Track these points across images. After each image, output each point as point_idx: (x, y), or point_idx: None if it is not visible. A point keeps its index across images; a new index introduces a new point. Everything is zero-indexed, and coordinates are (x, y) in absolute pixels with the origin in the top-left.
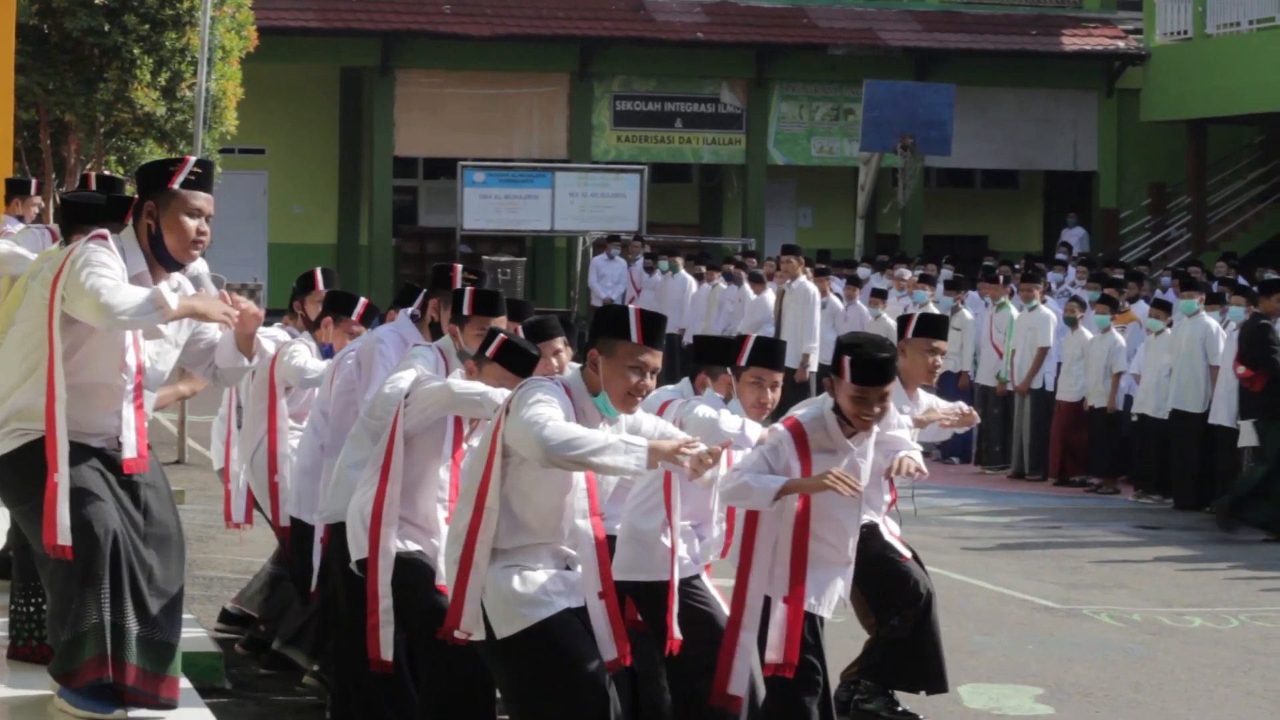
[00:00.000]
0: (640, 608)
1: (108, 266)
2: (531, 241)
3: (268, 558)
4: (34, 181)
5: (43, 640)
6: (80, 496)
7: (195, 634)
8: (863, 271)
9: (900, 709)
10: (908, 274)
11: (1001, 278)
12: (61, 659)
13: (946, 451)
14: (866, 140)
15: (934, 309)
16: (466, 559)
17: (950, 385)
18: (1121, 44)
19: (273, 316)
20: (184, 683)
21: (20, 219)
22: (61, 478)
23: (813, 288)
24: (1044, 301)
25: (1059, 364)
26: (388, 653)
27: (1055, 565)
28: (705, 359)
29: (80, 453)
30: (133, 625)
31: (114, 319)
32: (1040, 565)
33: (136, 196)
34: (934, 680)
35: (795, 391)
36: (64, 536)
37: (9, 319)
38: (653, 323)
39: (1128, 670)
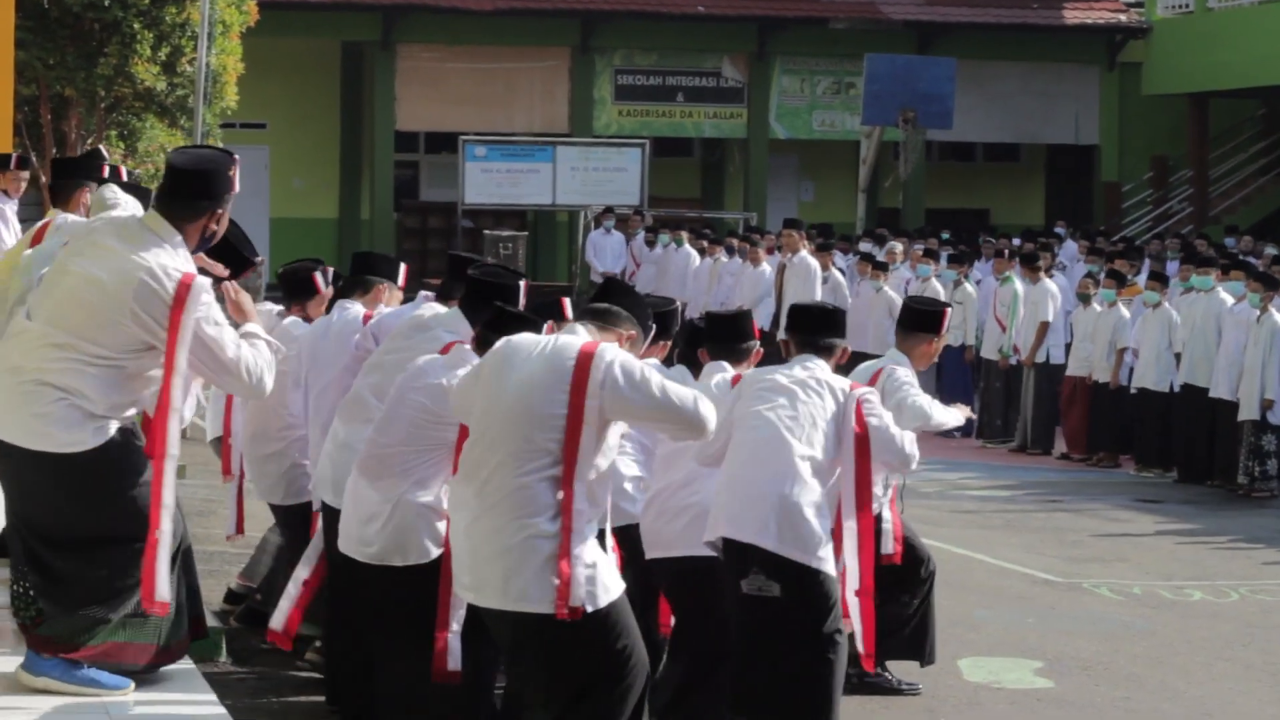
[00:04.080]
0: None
1: (227, 327)
2: (533, 216)
3: (267, 528)
4: (14, 155)
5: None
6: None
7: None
8: (866, 246)
9: (901, 681)
10: (898, 247)
11: (1006, 252)
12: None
13: None
14: (868, 114)
15: (937, 283)
16: (568, 533)
17: (955, 358)
18: (1123, 17)
19: (273, 292)
20: (186, 661)
21: (5, 193)
22: (163, 534)
23: (814, 262)
24: (1050, 275)
25: (1067, 342)
26: (455, 664)
27: (1056, 539)
28: (716, 337)
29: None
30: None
31: (260, 393)
32: (1041, 539)
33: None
34: (926, 652)
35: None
36: (164, 594)
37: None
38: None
39: (1127, 644)
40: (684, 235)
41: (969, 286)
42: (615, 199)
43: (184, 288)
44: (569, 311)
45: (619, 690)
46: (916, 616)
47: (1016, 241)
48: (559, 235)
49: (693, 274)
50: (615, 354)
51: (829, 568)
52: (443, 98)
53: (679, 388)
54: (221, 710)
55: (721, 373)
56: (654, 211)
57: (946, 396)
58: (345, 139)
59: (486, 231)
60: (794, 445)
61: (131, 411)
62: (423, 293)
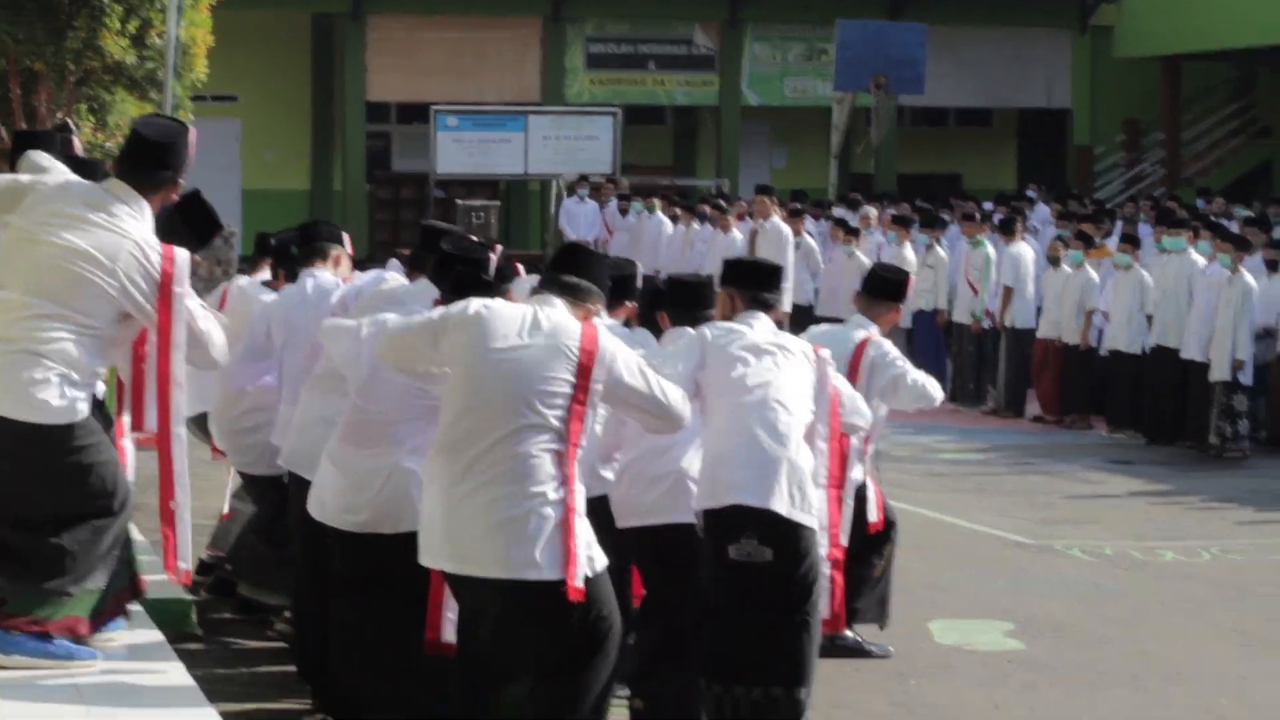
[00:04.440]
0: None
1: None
2: (505, 185)
3: (233, 497)
4: None
5: None
6: (114, 459)
7: (164, 579)
8: (839, 212)
9: (872, 644)
10: (872, 212)
11: (976, 215)
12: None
13: None
14: (840, 80)
15: (908, 249)
16: (571, 509)
17: (927, 323)
18: None
19: (246, 263)
20: (156, 633)
21: None
22: (180, 505)
23: (785, 228)
24: (1023, 239)
25: (1038, 305)
26: (451, 635)
27: (1028, 501)
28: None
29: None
30: None
31: (219, 363)
32: (1013, 501)
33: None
34: (887, 613)
35: None
36: (185, 563)
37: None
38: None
39: (1099, 605)
40: (656, 203)
41: (940, 250)
42: (587, 167)
43: (169, 261)
44: (521, 270)
45: (601, 658)
46: (883, 579)
47: (988, 205)
48: (532, 204)
49: (665, 241)
50: (615, 343)
51: (816, 525)
52: (414, 68)
53: (667, 383)
54: (190, 681)
55: (685, 338)
56: (627, 179)
57: (919, 361)
58: (317, 111)
59: (459, 201)
60: (789, 407)
61: (101, 385)
62: (392, 260)
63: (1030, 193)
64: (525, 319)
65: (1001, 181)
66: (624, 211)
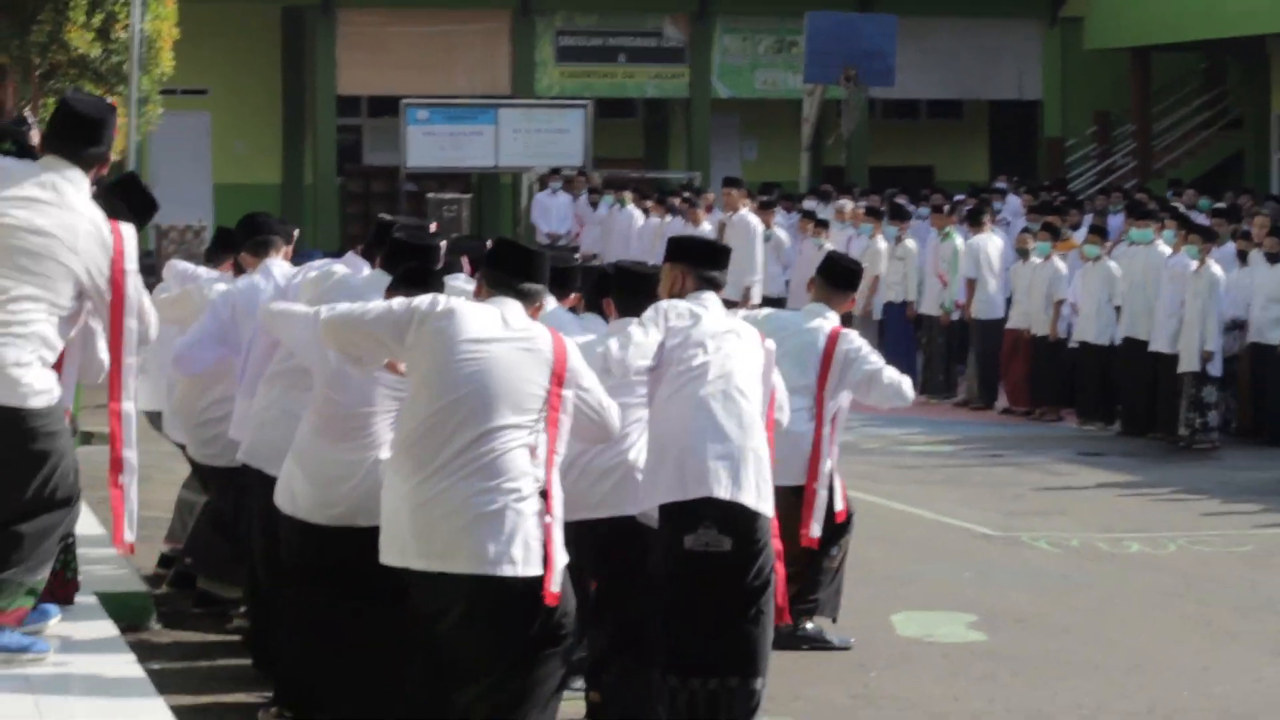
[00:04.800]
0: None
1: None
2: (477, 179)
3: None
4: None
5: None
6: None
7: (124, 574)
8: (809, 204)
9: (832, 636)
10: (848, 205)
11: (945, 207)
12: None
13: None
14: (810, 72)
15: (880, 241)
16: (551, 511)
17: (897, 315)
18: None
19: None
20: (109, 625)
21: None
22: (129, 471)
23: (754, 220)
24: (991, 230)
25: (1007, 296)
26: None
27: (996, 493)
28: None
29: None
30: None
31: (150, 339)
32: (980, 493)
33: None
34: (839, 606)
35: None
36: (131, 534)
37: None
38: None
39: (1064, 596)
40: (627, 196)
41: (909, 243)
42: (558, 160)
43: (119, 238)
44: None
45: (559, 656)
46: (839, 571)
47: (960, 196)
48: (503, 197)
49: (636, 234)
50: (577, 353)
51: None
52: (384, 62)
53: (606, 396)
54: (141, 673)
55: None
56: (598, 172)
57: (889, 353)
58: (287, 104)
59: (430, 195)
60: (749, 395)
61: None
62: (349, 254)
63: (1000, 184)
64: (496, 322)
65: (973, 173)
66: (595, 205)
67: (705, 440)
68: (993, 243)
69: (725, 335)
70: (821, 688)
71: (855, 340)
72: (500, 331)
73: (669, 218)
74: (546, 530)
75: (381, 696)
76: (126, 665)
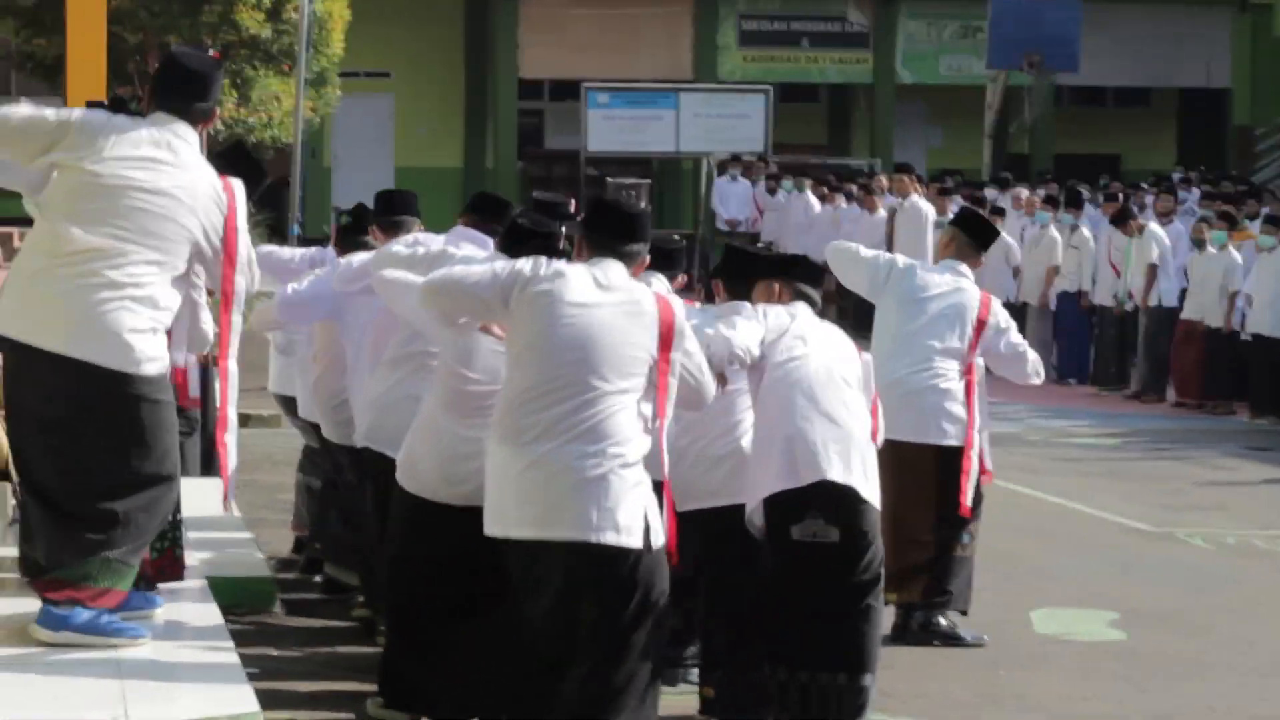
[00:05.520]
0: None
1: None
2: (659, 163)
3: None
4: None
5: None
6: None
7: (250, 558)
8: (989, 193)
9: (966, 631)
10: (1025, 193)
11: (1120, 196)
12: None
13: (1063, 372)
14: (993, 58)
15: (1054, 230)
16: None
17: (1071, 305)
18: None
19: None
20: (214, 611)
21: None
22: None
23: (925, 206)
24: (1172, 221)
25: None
26: None
27: (1157, 487)
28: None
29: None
30: None
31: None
32: (1141, 487)
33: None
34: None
35: None
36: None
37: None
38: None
39: (1211, 595)
40: (806, 182)
41: (1085, 232)
42: (738, 146)
43: (231, 194)
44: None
45: (659, 633)
46: (970, 561)
47: (1143, 186)
48: (684, 182)
49: (812, 221)
50: (684, 320)
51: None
52: (566, 45)
53: (708, 365)
54: (235, 660)
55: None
56: (778, 158)
57: (1064, 342)
58: (469, 87)
59: (609, 179)
60: (851, 384)
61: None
62: (459, 228)
63: (1176, 175)
64: (595, 280)
65: (1161, 162)
66: (773, 191)
67: (814, 423)
68: (1169, 232)
69: (822, 332)
70: (947, 685)
71: (1002, 310)
72: (602, 296)
73: (844, 204)
74: (651, 493)
75: (487, 696)
76: (224, 652)
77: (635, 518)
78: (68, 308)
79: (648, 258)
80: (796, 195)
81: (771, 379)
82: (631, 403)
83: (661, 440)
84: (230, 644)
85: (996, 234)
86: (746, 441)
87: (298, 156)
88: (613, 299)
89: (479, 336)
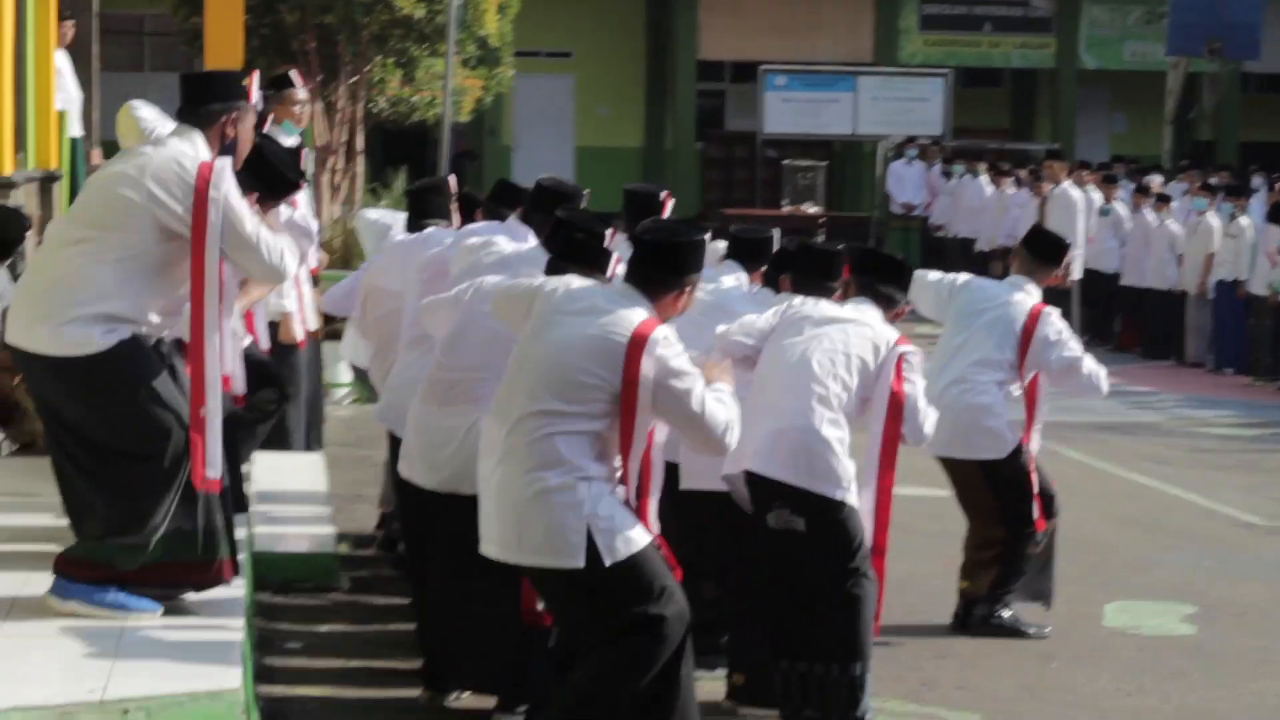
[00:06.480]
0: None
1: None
2: (839, 146)
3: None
4: None
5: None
6: (161, 397)
7: (320, 534)
8: (1155, 179)
9: (1028, 624)
10: (1157, 179)
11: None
12: (116, 558)
13: (1220, 362)
14: (1173, 44)
15: (1212, 217)
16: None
17: (1228, 294)
18: None
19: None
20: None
21: None
22: (211, 412)
23: (1075, 193)
24: None
25: None
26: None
27: None
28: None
29: (154, 351)
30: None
31: (281, 274)
32: (1267, 480)
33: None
34: (1047, 592)
35: (1056, 297)
36: (214, 470)
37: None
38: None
39: None
40: (980, 166)
41: (1243, 220)
42: (917, 129)
43: (206, 167)
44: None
45: (652, 637)
46: (1043, 557)
47: None
48: (863, 165)
49: (984, 205)
50: (679, 357)
51: (853, 500)
52: (746, 27)
53: (716, 405)
54: (238, 638)
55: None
56: (954, 143)
57: (1220, 331)
58: (650, 68)
59: (785, 162)
60: (819, 379)
61: (156, 319)
62: (511, 218)
63: None
64: (572, 298)
65: None
66: (946, 175)
67: (758, 417)
68: None
69: (826, 321)
70: (993, 677)
71: (1056, 322)
72: (579, 311)
73: (1012, 189)
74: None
75: (498, 672)
76: (228, 630)
77: (567, 539)
78: (18, 300)
79: (726, 278)
80: (969, 179)
81: (766, 360)
82: (570, 425)
83: (627, 467)
84: (240, 621)
85: (1065, 249)
86: None
87: (446, 135)
88: (585, 320)
89: (468, 327)
